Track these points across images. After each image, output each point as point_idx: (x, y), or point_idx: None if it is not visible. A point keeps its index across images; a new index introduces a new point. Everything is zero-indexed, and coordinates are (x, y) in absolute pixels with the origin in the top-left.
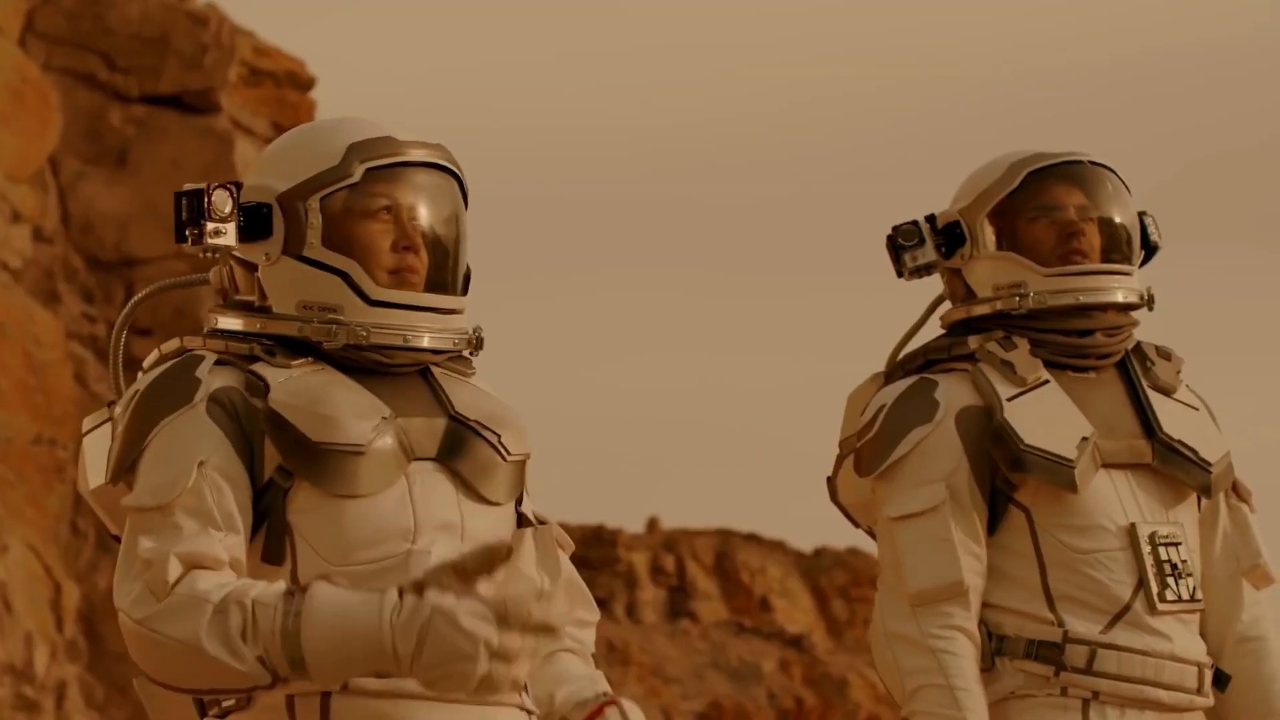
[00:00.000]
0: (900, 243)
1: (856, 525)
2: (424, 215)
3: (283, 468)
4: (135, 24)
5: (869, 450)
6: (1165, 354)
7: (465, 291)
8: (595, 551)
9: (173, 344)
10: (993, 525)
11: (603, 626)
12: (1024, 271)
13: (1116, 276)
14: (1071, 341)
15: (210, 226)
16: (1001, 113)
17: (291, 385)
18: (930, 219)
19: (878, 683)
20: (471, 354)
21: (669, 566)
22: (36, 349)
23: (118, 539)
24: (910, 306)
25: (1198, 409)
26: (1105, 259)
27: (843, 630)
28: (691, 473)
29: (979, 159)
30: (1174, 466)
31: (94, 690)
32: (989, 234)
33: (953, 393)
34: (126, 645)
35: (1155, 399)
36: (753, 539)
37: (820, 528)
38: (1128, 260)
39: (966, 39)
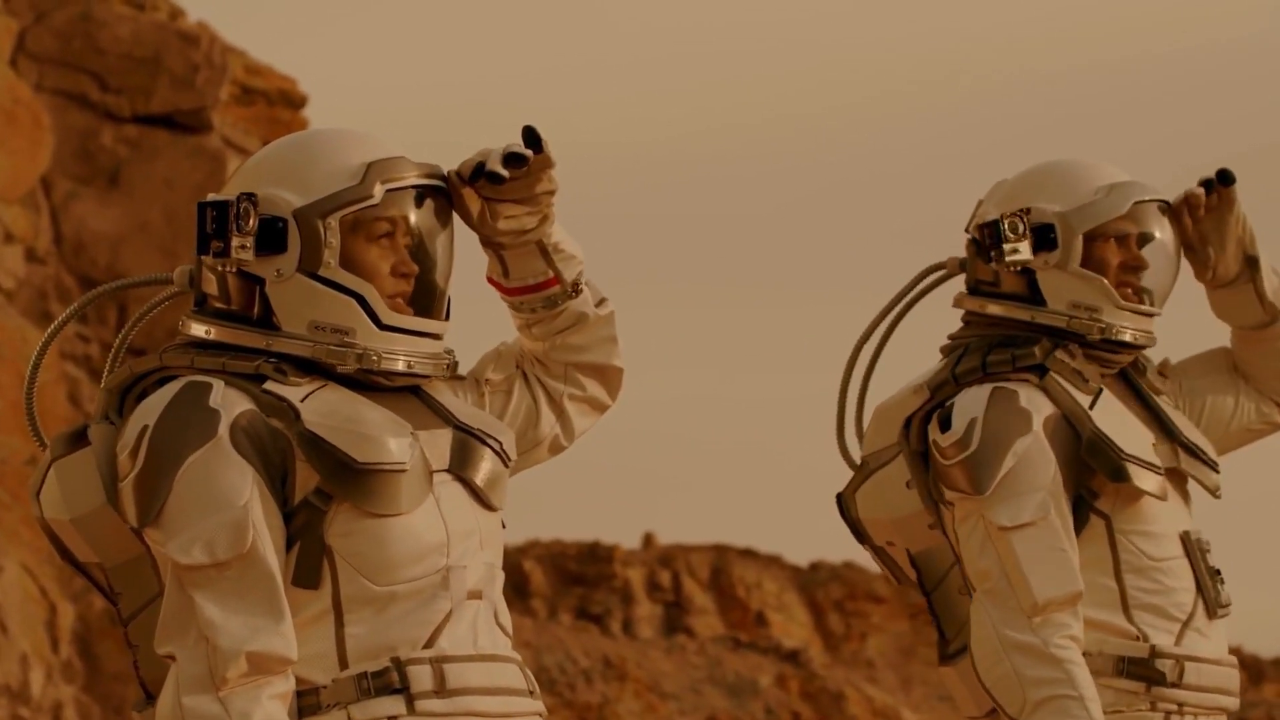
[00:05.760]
0: (1006, 234)
1: (862, 541)
2: (425, 241)
3: (320, 490)
4: (127, 44)
5: (970, 466)
6: (1146, 356)
7: (449, 315)
8: (591, 567)
9: (149, 362)
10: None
11: (599, 642)
12: (1103, 298)
13: (1155, 320)
14: (1106, 356)
15: (236, 241)
16: (999, 119)
17: (317, 405)
18: (1024, 214)
19: (875, 696)
20: (448, 377)
21: (665, 582)
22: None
23: (82, 570)
24: (906, 321)
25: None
26: (1142, 298)
27: (839, 644)
28: (687, 488)
29: (977, 166)
30: (1195, 469)
31: (90, 711)
32: (1079, 248)
33: (1034, 402)
34: (161, 701)
35: (1159, 402)
36: (749, 554)
37: (816, 542)
38: (1154, 301)
39: (963, 45)
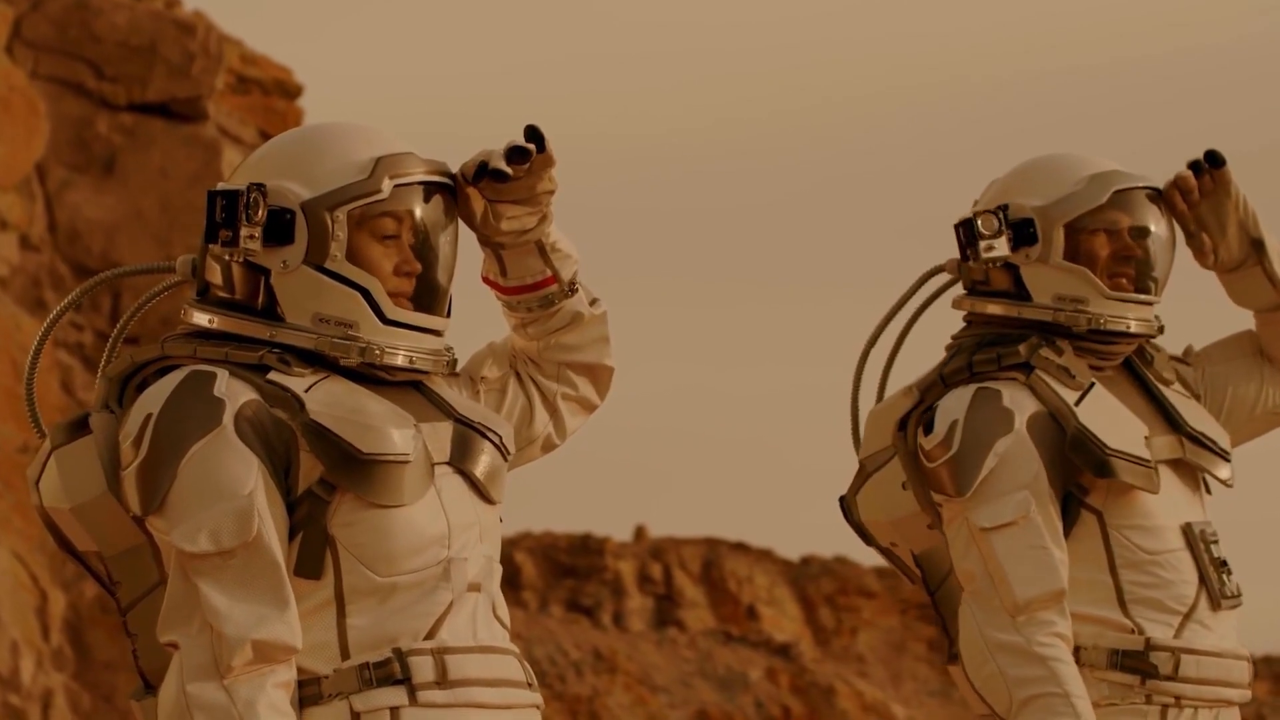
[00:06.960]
0: (981, 231)
1: (869, 543)
2: (430, 237)
3: (324, 480)
4: (123, 32)
5: (953, 468)
6: (1156, 345)
7: (450, 312)
8: (582, 560)
9: (150, 351)
10: (1064, 530)
11: (590, 634)
12: (1088, 288)
13: (1154, 307)
14: (1101, 348)
15: (245, 231)
16: (992, 118)
17: (321, 396)
18: (1002, 210)
19: (865, 691)
20: (448, 373)
21: (656, 575)
22: (23, 357)
23: (80, 559)
24: (898, 317)
25: (1193, 397)
26: (1140, 286)
27: (830, 639)
28: (679, 481)
29: (971, 164)
30: (1203, 460)
31: (80, 699)
32: (1060, 241)
33: (1018, 400)
34: (164, 689)
35: (1166, 392)
36: (740, 547)
37: (807, 536)
38: (1158, 290)
39: (958, 45)
